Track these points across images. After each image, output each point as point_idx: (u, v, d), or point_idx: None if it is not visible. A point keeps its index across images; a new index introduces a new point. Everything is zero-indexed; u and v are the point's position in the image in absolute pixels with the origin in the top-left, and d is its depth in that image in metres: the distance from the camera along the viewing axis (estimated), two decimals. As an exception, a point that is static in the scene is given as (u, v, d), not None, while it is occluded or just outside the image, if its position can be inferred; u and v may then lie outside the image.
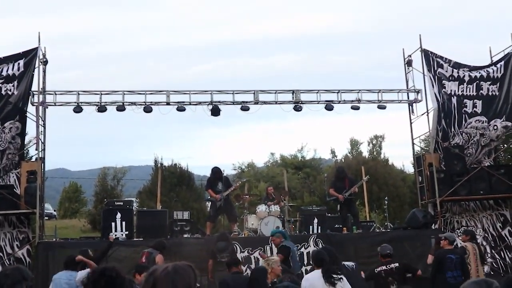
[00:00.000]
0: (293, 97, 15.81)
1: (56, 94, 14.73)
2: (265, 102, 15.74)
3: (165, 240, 11.67)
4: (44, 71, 14.66)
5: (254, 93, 15.58)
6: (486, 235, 15.21)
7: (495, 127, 15.57)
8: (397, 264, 9.60)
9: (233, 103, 15.54)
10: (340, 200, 14.61)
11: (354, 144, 49.13)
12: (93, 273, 3.46)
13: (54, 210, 40.54)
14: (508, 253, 14.89)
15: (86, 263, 9.29)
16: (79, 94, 14.79)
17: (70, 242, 13.63)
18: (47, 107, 14.74)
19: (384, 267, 9.52)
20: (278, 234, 11.11)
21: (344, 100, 16.07)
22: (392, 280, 9.44)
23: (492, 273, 14.28)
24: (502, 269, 14.69)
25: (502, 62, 16.11)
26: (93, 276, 3.43)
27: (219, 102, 15.42)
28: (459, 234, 15.04)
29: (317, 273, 7.15)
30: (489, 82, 15.89)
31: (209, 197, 14.94)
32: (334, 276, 6.96)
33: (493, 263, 14.83)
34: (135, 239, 13.47)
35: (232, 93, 15.57)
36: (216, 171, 14.89)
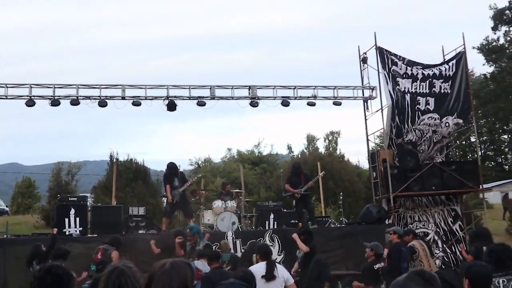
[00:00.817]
0: (249, 93, 15.84)
1: (7, 87, 14.39)
2: (221, 98, 15.72)
3: (120, 236, 11.52)
4: (-5, 64, 14.34)
5: (210, 88, 15.53)
6: (437, 229, 15.54)
7: (447, 124, 15.90)
8: (382, 264, 9.67)
9: (190, 98, 15.47)
10: (296, 196, 14.68)
11: (311, 140, 49.60)
12: (39, 271, 3.40)
13: (7, 206, 39.70)
14: (458, 247, 15.23)
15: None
16: (31, 87, 14.49)
17: (22, 239, 13.29)
18: (-2, 101, 14.42)
19: (379, 265, 9.56)
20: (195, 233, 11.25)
21: (300, 96, 16.18)
22: (382, 279, 9.51)
23: (443, 266, 14.62)
24: (453, 263, 15.04)
25: (454, 61, 16.45)
26: (39, 273, 3.37)
27: (175, 97, 15.32)
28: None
29: (262, 265, 7.26)
30: (441, 80, 16.20)
31: (165, 193, 14.86)
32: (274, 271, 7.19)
33: (444, 257, 15.18)
34: (89, 235, 13.28)
35: (189, 88, 15.49)
36: (172, 167, 14.80)
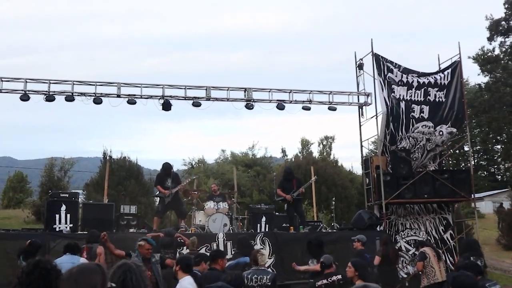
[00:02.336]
0: (245, 95, 15.87)
1: (2, 80, 14.36)
2: (217, 99, 15.73)
3: (96, 231, 11.36)
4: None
5: (206, 89, 15.54)
6: (428, 238, 15.53)
7: (441, 133, 15.94)
8: (339, 276, 8.37)
9: (185, 98, 15.47)
10: (288, 201, 14.68)
11: (305, 144, 49.63)
12: (27, 265, 3.38)
13: (-3, 200, 39.51)
14: (449, 256, 15.27)
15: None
16: (26, 82, 14.46)
17: (12, 234, 13.23)
18: (-8, 94, 14.37)
19: (325, 281, 8.34)
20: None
21: (296, 100, 16.21)
22: None
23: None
24: (443, 271, 15.03)
25: (450, 70, 16.50)
26: (27, 267, 3.35)
27: (170, 96, 15.32)
28: (403, 237, 15.40)
29: (189, 280, 7.00)
30: (436, 89, 16.25)
31: (158, 192, 14.83)
32: None
33: (434, 265, 15.16)
34: (79, 232, 13.23)
35: (184, 88, 15.49)
36: (166, 167, 14.79)
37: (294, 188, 14.71)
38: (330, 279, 8.31)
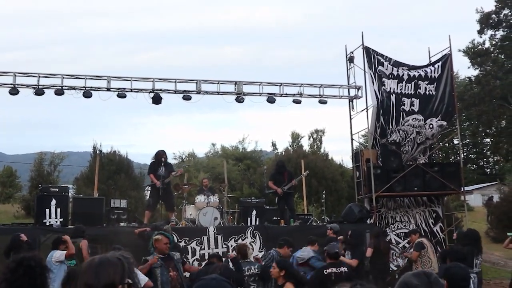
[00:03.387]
0: (235, 88, 15.85)
1: (-9, 75, 14.27)
2: (207, 92, 15.70)
3: (82, 225, 11.34)
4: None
5: (196, 83, 15.51)
6: (418, 230, 15.62)
7: (431, 126, 15.98)
8: (345, 269, 8.40)
9: (175, 91, 15.43)
10: (278, 194, 14.67)
11: (295, 137, 49.68)
12: (12, 262, 3.33)
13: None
14: (439, 249, 15.31)
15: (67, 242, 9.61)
16: (15, 75, 14.37)
17: (1, 228, 13.18)
18: (-20, 88, 14.26)
19: (334, 270, 8.23)
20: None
21: (286, 94, 16.21)
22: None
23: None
24: (432, 264, 15.11)
25: (440, 63, 16.53)
26: (12, 264, 3.30)
27: (160, 90, 15.27)
28: (393, 230, 15.46)
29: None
30: (426, 82, 16.28)
31: (151, 182, 14.63)
32: None
33: (424, 257, 15.23)
34: (69, 226, 13.17)
35: (175, 82, 15.46)
36: (158, 154, 14.51)
37: (285, 181, 14.69)
38: (339, 269, 8.25)
